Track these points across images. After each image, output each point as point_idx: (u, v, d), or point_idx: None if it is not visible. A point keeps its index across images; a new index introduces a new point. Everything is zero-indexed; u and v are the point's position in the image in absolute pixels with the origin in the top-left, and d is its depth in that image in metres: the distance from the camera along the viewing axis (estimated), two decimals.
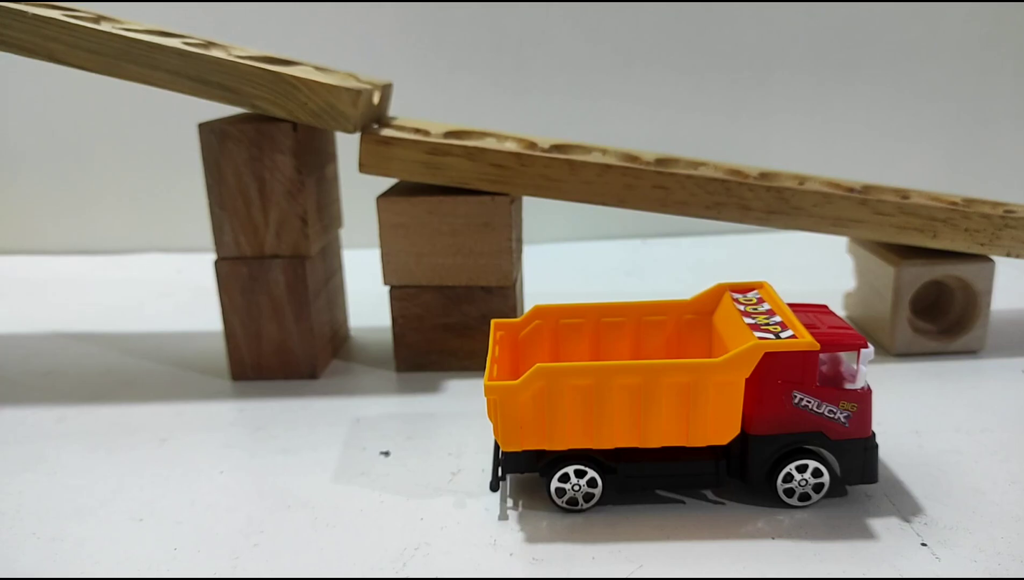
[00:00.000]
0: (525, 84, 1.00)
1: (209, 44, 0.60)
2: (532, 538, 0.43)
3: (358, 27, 0.98)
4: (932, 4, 0.97)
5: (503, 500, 0.47)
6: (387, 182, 0.66)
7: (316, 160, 0.64)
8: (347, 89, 0.57)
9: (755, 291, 0.51)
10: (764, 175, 0.64)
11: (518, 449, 0.44)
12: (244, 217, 0.61)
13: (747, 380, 0.43)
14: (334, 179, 0.69)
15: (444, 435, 0.55)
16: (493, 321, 0.51)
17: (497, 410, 0.43)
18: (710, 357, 0.48)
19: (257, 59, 0.59)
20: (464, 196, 0.61)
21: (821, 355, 0.44)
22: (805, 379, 0.43)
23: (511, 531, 0.44)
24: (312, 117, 0.58)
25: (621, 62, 0.99)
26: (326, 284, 0.67)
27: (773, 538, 0.42)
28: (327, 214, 0.67)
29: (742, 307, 0.48)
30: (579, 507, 0.45)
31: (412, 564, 0.42)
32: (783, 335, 0.44)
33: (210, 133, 0.60)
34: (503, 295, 0.63)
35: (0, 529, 0.46)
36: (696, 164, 0.64)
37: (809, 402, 0.44)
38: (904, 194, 0.64)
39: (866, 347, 0.44)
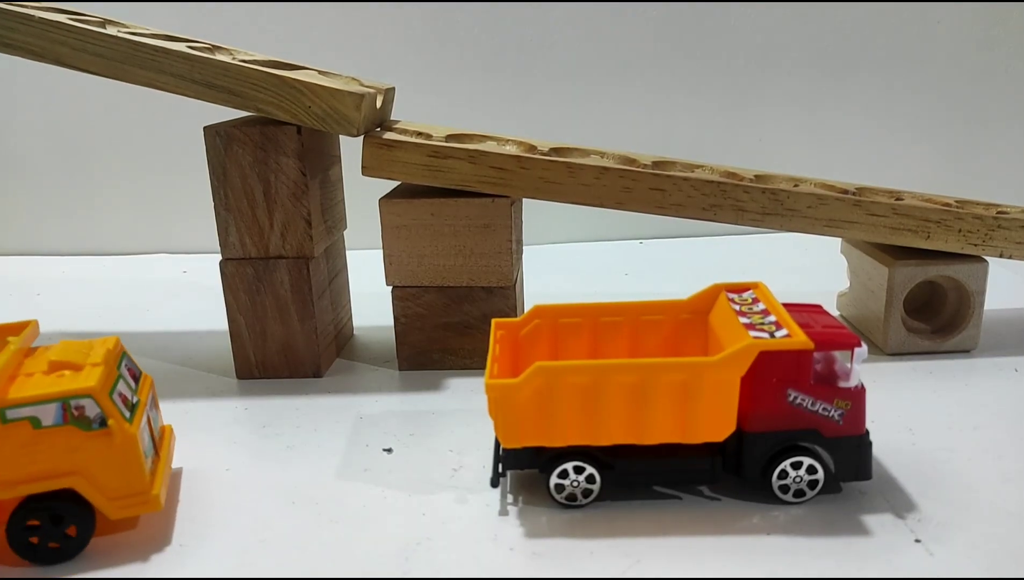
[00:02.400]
0: (525, 88, 1.01)
1: (214, 48, 0.61)
2: (532, 533, 0.44)
3: (361, 32, 0.99)
4: (924, 5, 0.98)
5: (503, 496, 0.48)
6: (390, 184, 0.67)
7: (320, 163, 0.65)
8: (350, 93, 0.58)
9: (750, 291, 0.52)
10: (759, 177, 0.65)
11: (518, 446, 0.45)
12: (249, 219, 0.62)
13: (743, 378, 0.43)
14: (338, 181, 0.70)
15: (446, 432, 0.55)
16: (494, 320, 0.52)
17: (497, 407, 0.44)
18: (706, 356, 0.49)
19: (262, 63, 0.59)
20: (465, 198, 0.62)
21: (815, 354, 0.44)
22: (800, 377, 0.44)
23: (511, 526, 0.45)
24: (316, 121, 0.59)
25: (619, 67, 1.00)
26: (330, 284, 0.68)
27: (768, 534, 0.43)
28: (331, 216, 0.67)
29: (737, 307, 0.49)
30: (578, 503, 0.46)
31: (414, 558, 0.42)
32: (778, 334, 0.44)
33: (216, 136, 0.60)
34: (503, 295, 0.64)
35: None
36: (692, 166, 0.65)
37: (804, 400, 0.44)
38: (897, 196, 0.65)
39: (860, 346, 0.44)
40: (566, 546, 0.43)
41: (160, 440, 0.48)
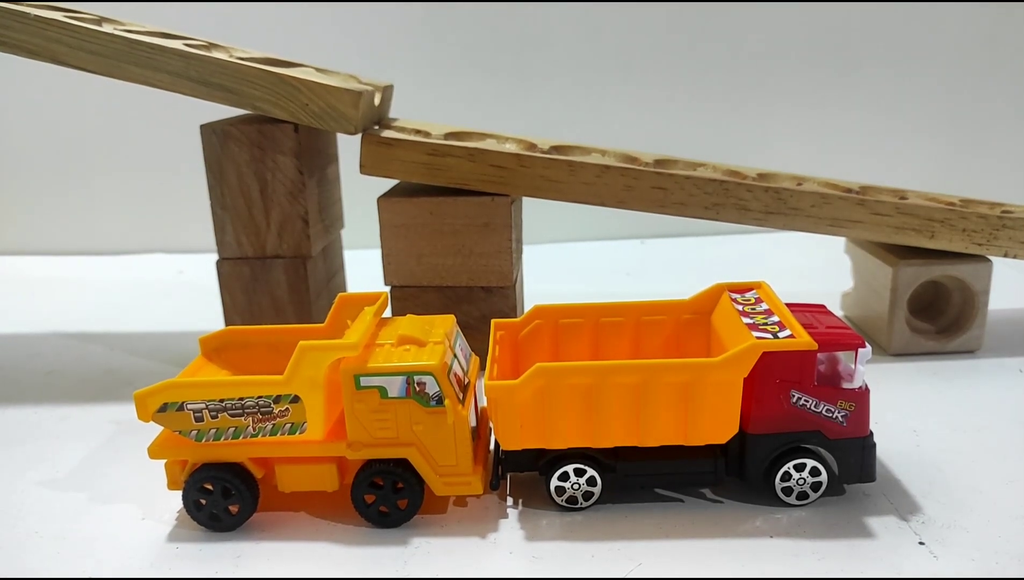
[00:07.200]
0: (525, 86, 1.00)
1: (211, 46, 0.61)
2: (532, 536, 0.44)
3: (359, 29, 0.99)
4: (929, 5, 0.98)
5: (503, 498, 0.47)
6: (388, 183, 0.67)
7: (318, 161, 0.64)
8: (348, 91, 0.57)
9: (753, 291, 0.52)
10: (762, 176, 0.64)
11: (518, 448, 0.45)
12: (246, 217, 0.62)
13: (745, 379, 0.43)
14: (336, 180, 0.70)
15: None
16: (493, 321, 0.51)
17: (497, 409, 0.44)
18: (708, 356, 0.49)
19: (259, 61, 0.59)
20: (464, 197, 0.62)
21: (819, 355, 0.44)
22: (803, 378, 0.44)
23: (511, 529, 0.44)
24: (313, 118, 0.58)
25: (620, 64, 1.00)
26: (327, 284, 0.68)
27: (771, 536, 0.43)
28: (328, 214, 0.67)
29: (740, 307, 0.49)
30: (578, 505, 0.46)
31: (413, 562, 0.42)
32: (781, 335, 0.44)
33: (212, 134, 0.60)
34: (503, 295, 0.64)
35: (3, 528, 0.46)
36: (694, 165, 0.65)
37: (807, 401, 0.44)
38: (902, 195, 0.65)
39: (864, 347, 0.44)
40: (566, 549, 0.42)
41: (482, 421, 0.49)
